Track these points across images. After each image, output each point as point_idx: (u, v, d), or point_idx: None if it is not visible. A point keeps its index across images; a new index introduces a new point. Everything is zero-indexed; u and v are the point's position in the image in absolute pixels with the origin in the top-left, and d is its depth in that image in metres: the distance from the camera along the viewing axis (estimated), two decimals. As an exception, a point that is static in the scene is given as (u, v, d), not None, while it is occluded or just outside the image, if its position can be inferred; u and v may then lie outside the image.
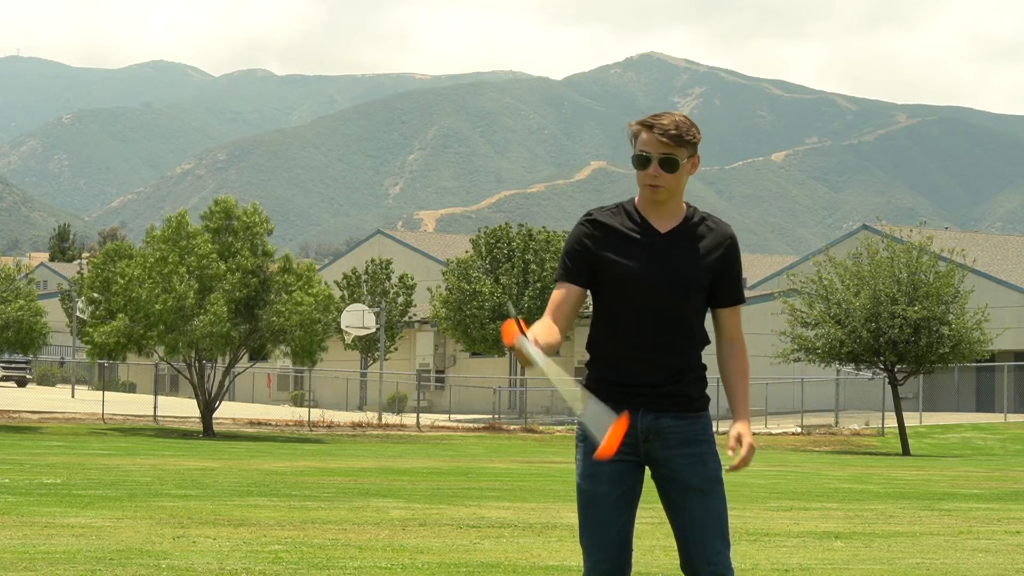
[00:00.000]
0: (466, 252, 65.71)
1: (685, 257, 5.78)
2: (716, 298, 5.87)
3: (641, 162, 5.76)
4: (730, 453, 5.78)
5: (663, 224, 5.81)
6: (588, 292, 5.87)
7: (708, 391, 5.92)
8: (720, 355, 5.93)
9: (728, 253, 5.87)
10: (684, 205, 5.87)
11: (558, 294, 5.80)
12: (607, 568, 5.79)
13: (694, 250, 5.80)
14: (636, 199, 5.87)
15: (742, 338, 5.94)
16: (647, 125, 5.76)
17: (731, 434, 5.80)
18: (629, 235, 5.78)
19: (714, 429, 5.99)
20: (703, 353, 5.92)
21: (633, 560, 5.85)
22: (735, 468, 5.79)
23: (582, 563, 5.90)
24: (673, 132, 5.71)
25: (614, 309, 5.79)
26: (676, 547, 5.83)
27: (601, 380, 5.81)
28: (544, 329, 5.64)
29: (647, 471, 5.88)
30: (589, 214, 5.83)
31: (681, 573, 5.83)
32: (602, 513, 5.77)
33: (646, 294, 5.74)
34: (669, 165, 5.73)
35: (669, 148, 5.72)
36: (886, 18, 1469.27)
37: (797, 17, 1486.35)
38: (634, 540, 5.88)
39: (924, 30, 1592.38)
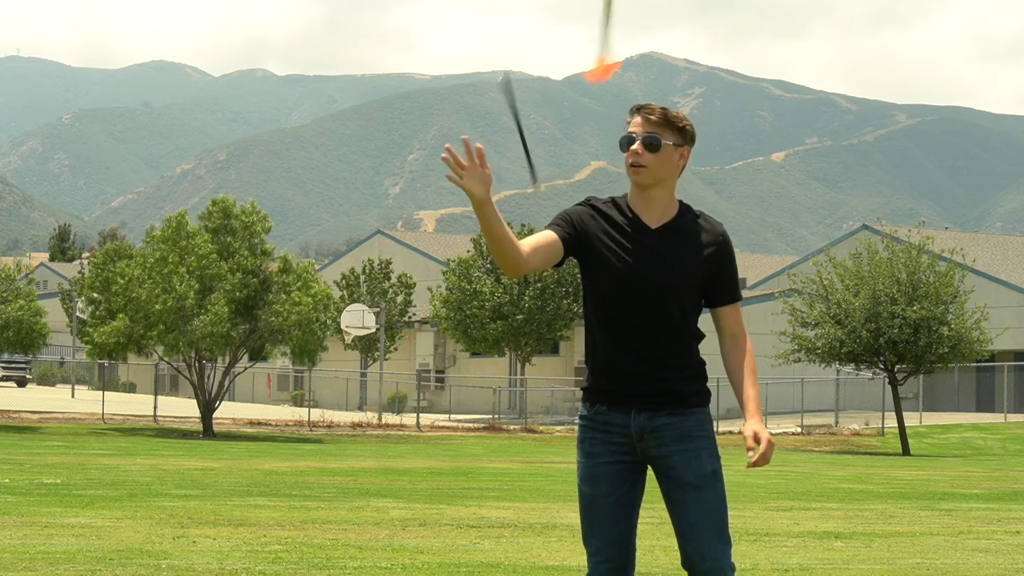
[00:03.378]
0: (466, 252, 65.71)
1: (674, 252, 5.74)
2: (712, 297, 5.83)
3: (627, 141, 5.77)
4: (749, 454, 5.73)
5: (653, 220, 5.78)
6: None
7: (706, 388, 5.87)
8: (724, 353, 5.87)
9: (721, 251, 5.81)
10: (677, 203, 5.84)
11: (540, 233, 5.76)
12: (609, 568, 5.80)
13: (684, 246, 5.76)
14: (628, 195, 5.85)
15: (745, 333, 5.88)
16: (633, 110, 5.82)
17: (747, 433, 5.72)
18: (620, 227, 5.75)
19: (715, 428, 5.96)
20: (702, 351, 5.89)
21: (636, 560, 5.86)
22: (755, 464, 5.74)
23: (586, 562, 5.91)
24: (659, 111, 5.76)
25: (604, 306, 5.76)
26: (677, 545, 5.85)
27: (596, 384, 5.80)
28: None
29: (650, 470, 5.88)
30: (588, 199, 5.84)
31: (683, 572, 5.84)
32: (603, 515, 5.78)
33: (634, 289, 5.71)
34: (651, 144, 5.72)
35: (654, 128, 5.74)
36: (887, 18, 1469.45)
37: (797, 17, 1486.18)
38: (636, 540, 5.88)
39: (925, 30, 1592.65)
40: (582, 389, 5.85)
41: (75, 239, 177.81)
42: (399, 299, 68.76)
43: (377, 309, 61.45)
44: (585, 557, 5.96)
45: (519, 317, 61.27)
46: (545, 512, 17.87)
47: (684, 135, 5.79)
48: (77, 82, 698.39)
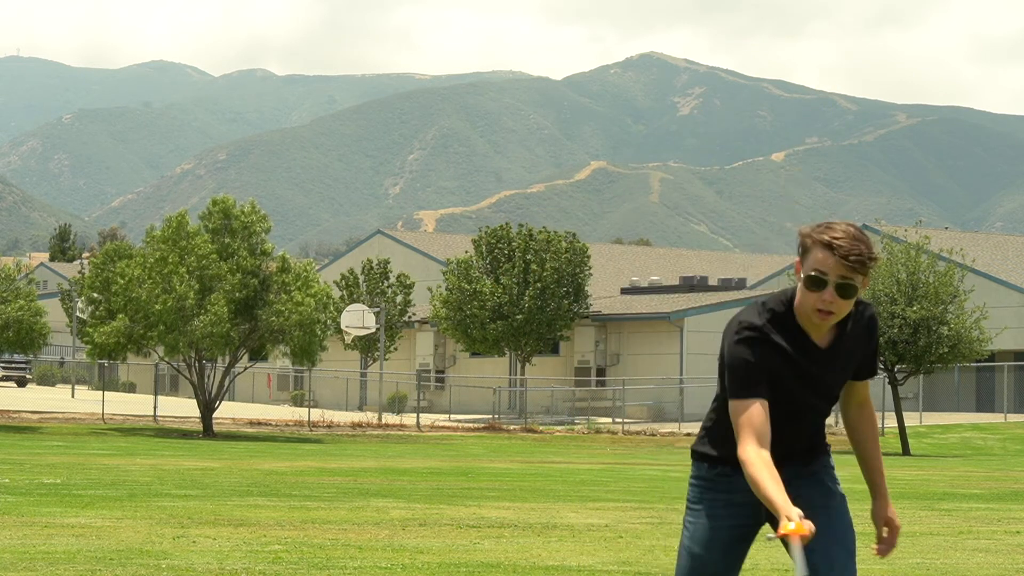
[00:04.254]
0: (466, 252, 65.71)
1: (842, 368, 5.47)
2: (854, 373, 5.58)
3: (816, 284, 5.29)
4: (877, 547, 5.55)
5: (823, 338, 5.43)
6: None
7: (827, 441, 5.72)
8: (850, 419, 5.66)
9: (871, 337, 5.53)
10: None
11: (757, 413, 5.31)
12: None
13: (849, 354, 5.47)
14: (795, 304, 5.40)
15: (870, 400, 5.69)
16: (826, 244, 5.29)
17: (878, 518, 5.54)
18: (790, 354, 5.38)
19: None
20: None
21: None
22: (883, 554, 5.58)
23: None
24: (855, 258, 5.25)
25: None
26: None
27: (724, 456, 5.52)
28: (777, 481, 5.25)
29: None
30: (755, 329, 5.37)
31: None
32: None
33: (797, 406, 5.46)
34: (846, 291, 5.29)
35: (848, 272, 5.27)
36: (887, 18, 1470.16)
37: (797, 17, 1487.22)
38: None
39: (925, 30, 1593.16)
40: (698, 452, 5.59)
41: (75, 239, 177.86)
42: (399, 299, 68.77)
43: (377, 309, 61.47)
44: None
45: (519, 317, 61.26)
46: (545, 512, 17.86)
47: (871, 268, 5.34)
48: (77, 82, 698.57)
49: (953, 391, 65.94)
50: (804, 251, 5.37)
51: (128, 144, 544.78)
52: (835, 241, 5.26)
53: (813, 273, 5.29)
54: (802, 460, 5.58)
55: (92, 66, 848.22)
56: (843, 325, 5.45)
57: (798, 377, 5.40)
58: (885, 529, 5.59)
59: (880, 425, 52.75)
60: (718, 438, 5.52)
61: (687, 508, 5.63)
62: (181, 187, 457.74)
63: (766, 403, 5.34)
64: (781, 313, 5.39)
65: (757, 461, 5.24)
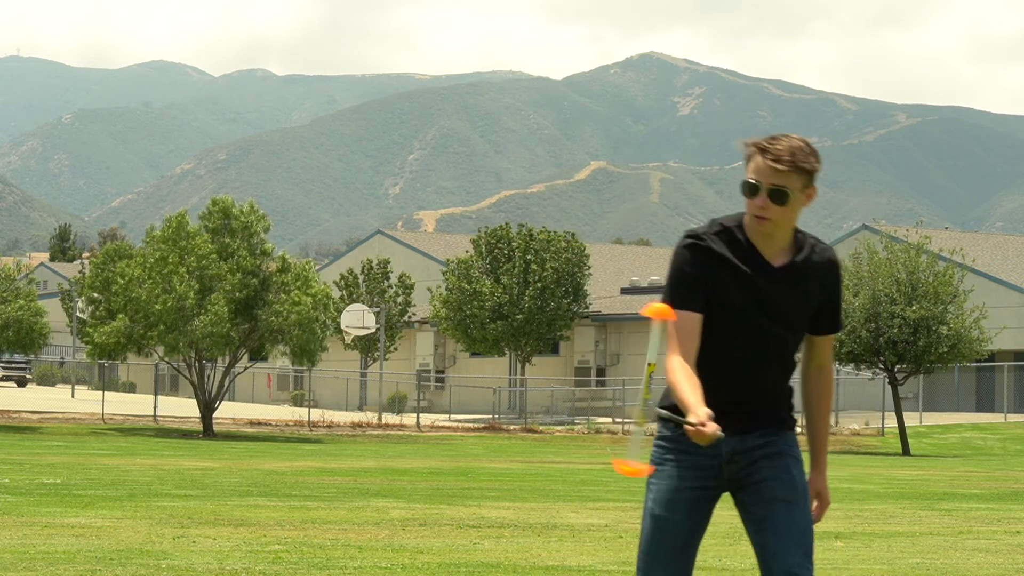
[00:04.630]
0: (466, 252, 65.73)
1: (797, 295, 5.42)
2: (815, 325, 5.53)
3: (749, 190, 5.34)
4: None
5: (775, 256, 5.42)
6: None
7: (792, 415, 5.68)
8: (807, 381, 5.61)
9: (833, 281, 5.52)
10: (793, 231, 5.47)
11: (687, 324, 5.33)
12: None
13: (805, 286, 5.43)
14: (745, 220, 5.43)
15: (832, 366, 5.62)
16: (760, 148, 5.34)
17: (811, 490, 5.51)
18: (740, 268, 5.38)
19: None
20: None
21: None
22: None
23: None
24: (787, 159, 5.29)
25: (716, 341, 5.40)
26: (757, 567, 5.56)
27: None
28: (694, 387, 5.27)
29: (721, 498, 5.62)
30: (697, 237, 5.39)
31: None
32: (673, 542, 5.48)
33: (753, 330, 5.40)
34: (779, 197, 5.31)
35: (781, 178, 5.30)
36: (887, 18, 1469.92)
37: (797, 17, 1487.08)
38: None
39: (925, 30, 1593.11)
40: (662, 408, 5.47)
41: (75, 239, 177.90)
42: (399, 299, 68.80)
43: (377, 309, 61.49)
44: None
45: (519, 317, 61.27)
46: (545, 512, 17.87)
47: (811, 175, 5.35)
48: (77, 82, 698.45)
49: (953, 391, 65.94)
50: (747, 161, 5.41)
51: (128, 144, 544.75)
52: (770, 146, 5.32)
53: (747, 179, 5.34)
54: (769, 428, 5.49)
55: (92, 66, 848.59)
56: (798, 250, 5.46)
57: (748, 293, 5.39)
58: (815, 502, 5.56)
59: (880, 425, 52.85)
60: None
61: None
62: (181, 187, 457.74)
63: (698, 318, 5.35)
64: (730, 227, 5.41)
65: (679, 369, 5.30)
